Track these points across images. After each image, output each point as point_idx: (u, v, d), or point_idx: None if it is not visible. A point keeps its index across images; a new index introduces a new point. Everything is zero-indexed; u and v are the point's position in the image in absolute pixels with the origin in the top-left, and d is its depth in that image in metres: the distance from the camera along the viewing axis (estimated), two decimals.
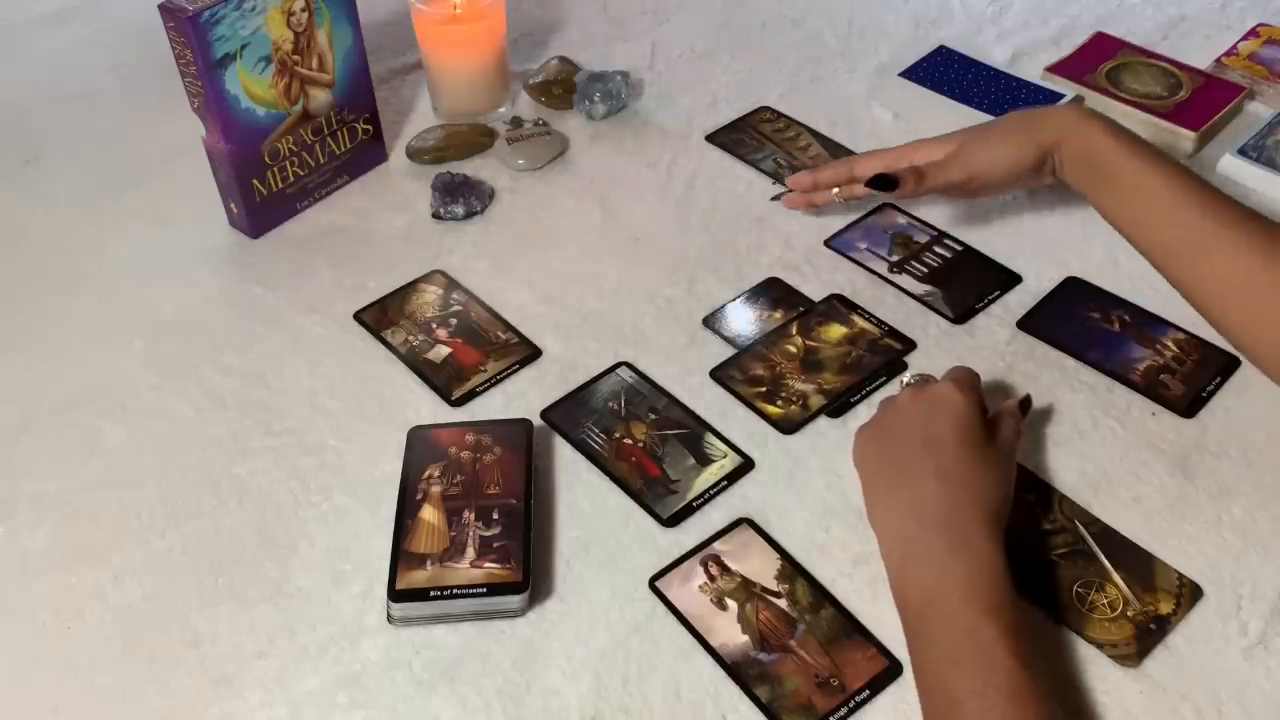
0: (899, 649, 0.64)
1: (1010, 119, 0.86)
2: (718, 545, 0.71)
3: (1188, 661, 0.64)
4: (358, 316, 0.88)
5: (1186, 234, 0.74)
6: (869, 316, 0.86)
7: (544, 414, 0.80)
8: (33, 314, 0.91)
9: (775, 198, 0.94)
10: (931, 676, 0.59)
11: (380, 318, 0.88)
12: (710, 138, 1.06)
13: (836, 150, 1.03)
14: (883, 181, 0.86)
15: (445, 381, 0.83)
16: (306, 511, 0.75)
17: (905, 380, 0.76)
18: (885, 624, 0.65)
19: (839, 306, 0.87)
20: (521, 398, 0.82)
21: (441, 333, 0.87)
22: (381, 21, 1.19)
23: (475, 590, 0.67)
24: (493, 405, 0.81)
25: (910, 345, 0.84)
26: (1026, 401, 0.74)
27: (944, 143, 0.87)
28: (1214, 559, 0.69)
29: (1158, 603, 0.67)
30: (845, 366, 0.82)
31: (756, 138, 1.05)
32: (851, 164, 0.91)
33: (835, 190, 0.92)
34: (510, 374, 0.83)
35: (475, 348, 0.85)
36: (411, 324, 0.87)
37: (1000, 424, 0.71)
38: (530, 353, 0.85)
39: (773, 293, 0.89)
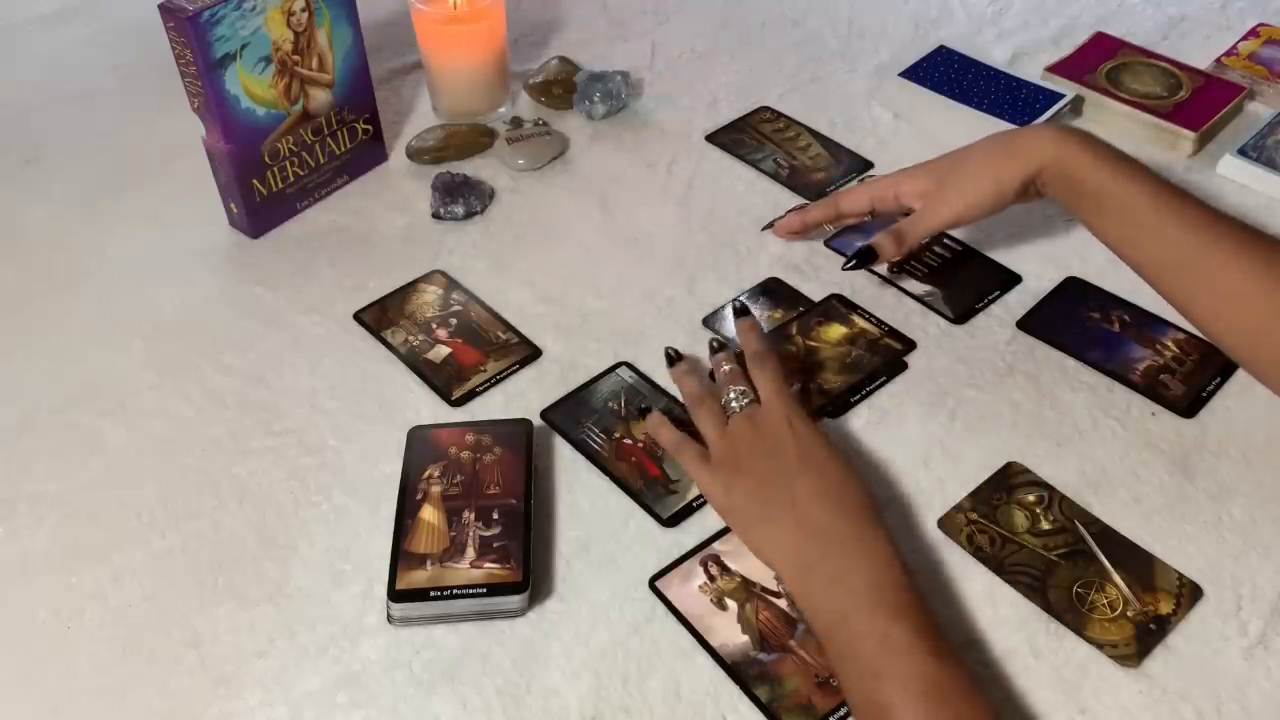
0: None
1: (987, 144, 0.81)
2: (718, 545, 0.71)
3: (1188, 661, 0.64)
4: (358, 316, 0.88)
5: (1176, 251, 0.73)
6: (869, 316, 0.86)
7: (544, 414, 0.80)
8: (32, 314, 0.91)
9: (766, 228, 0.94)
10: (857, 694, 0.59)
11: (380, 318, 0.88)
12: (710, 138, 1.06)
13: (836, 150, 1.03)
14: (865, 254, 0.83)
15: (445, 381, 0.83)
16: (306, 511, 0.75)
17: (714, 349, 0.76)
18: None
19: (838, 306, 0.87)
20: (521, 398, 0.82)
21: (441, 333, 0.87)
22: (381, 21, 1.19)
23: (475, 590, 0.67)
24: (493, 405, 0.81)
25: (910, 345, 0.84)
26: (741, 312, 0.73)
27: (924, 175, 0.83)
28: (1214, 559, 0.69)
29: (1158, 603, 0.67)
30: (845, 366, 0.82)
31: (756, 138, 1.05)
32: (838, 200, 0.88)
33: (828, 226, 0.91)
34: (510, 374, 0.83)
35: (475, 348, 0.85)
36: (411, 324, 0.87)
37: (762, 385, 0.72)
38: (530, 353, 0.85)
39: (773, 293, 0.89)
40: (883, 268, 0.90)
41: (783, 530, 0.65)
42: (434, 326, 0.87)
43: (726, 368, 0.74)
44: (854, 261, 0.84)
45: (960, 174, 0.81)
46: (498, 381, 0.83)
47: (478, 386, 0.82)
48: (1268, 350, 0.71)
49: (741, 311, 0.79)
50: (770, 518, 0.66)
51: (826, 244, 0.93)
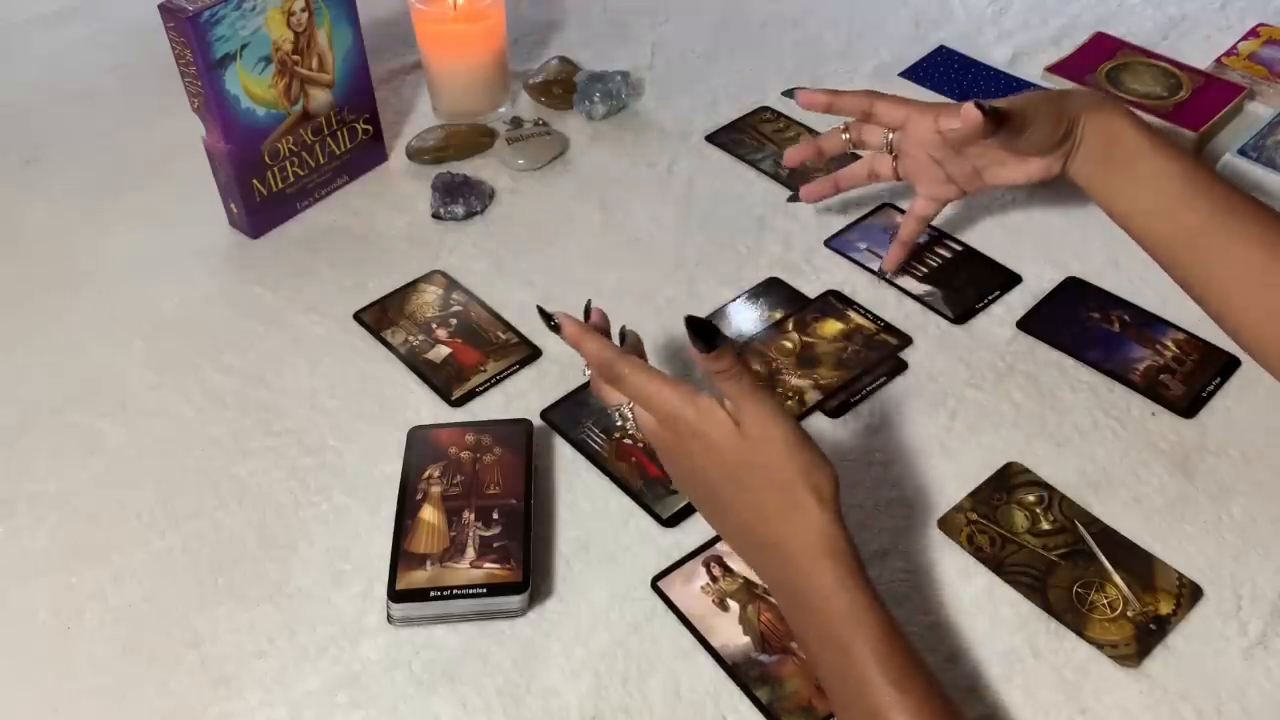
0: None
1: (1034, 93, 0.78)
2: (720, 546, 0.71)
3: (1188, 661, 0.64)
4: (358, 316, 0.88)
5: (1198, 225, 0.72)
6: (865, 312, 0.86)
7: (544, 414, 0.80)
8: (32, 313, 0.91)
9: (792, 198, 0.94)
10: (839, 708, 0.58)
11: (380, 318, 0.88)
12: (710, 138, 1.06)
13: None
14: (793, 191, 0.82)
15: (445, 381, 0.83)
16: (306, 511, 0.75)
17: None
18: None
19: (835, 302, 0.87)
20: (521, 398, 0.82)
21: (441, 333, 0.87)
22: (381, 21, 1.19)
23: (475, 590, 0.67)
24: (493, 405, 0.81)
25: (906, 340, 0.84)
26: (704, 336, 0.58)
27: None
28: (1214, 559, 0.69)
29: (1158, 603, 0.67)
30: (841, 362, 0.82)
31: (756, 138, 1.05)
32: (872, 100, 0.84)
33: (845, 135, 0.87)
34: (510, 374, 0.83)
35: (475, 348, 0.85)
36: (411, 324, 0.87)
37: (727, 387, 0.59)
38: (530, 353, 0.85)
39: (773, 293, 0.89)
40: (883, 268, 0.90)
41: (742, 551, 0.64)
42: (434, 326, 0.87)
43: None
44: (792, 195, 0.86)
45: (1011, 101, 0.77)
46: (498, 381, 0.83)
47: (478, 386, 0.82)
48: (1272, 330, 0.70)
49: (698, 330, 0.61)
50: (725, 532, 0.65)
51: (826, 244, 0.93)
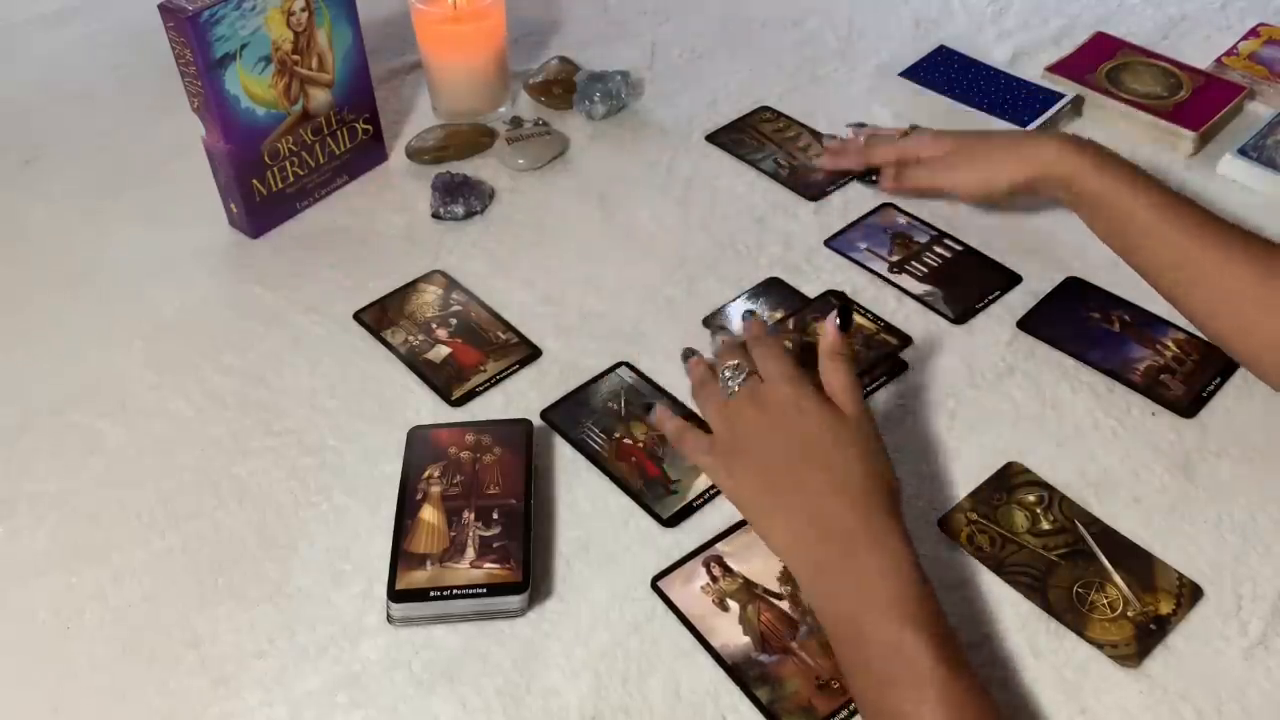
0: None
1: (1004, 139, 0.88)
2: (720, 546, 0.71)
3: (1188, 661, 0.64)
4: (358, 316, 0.88)
5: (1175, 254, 0.76)
6: (865, 312, 0.86)
7: (544, 414, 0.80)
8: (32, 314, 0.91)
9: (871, 183, 0.98)
10: (867, 699, 0.58)
11: (380, 318, 0.88)
12: (710, 138, 1.06)
13: None
14: (869, 173, 0.96)
15: (445, 381, 0.83)
16: (306, 511, 0.75)
17: (715, 339, 0.76)
18: None
19: (835, 302, 0.87)
20: (521, 398, 0.82)
21: (441, 333, 0.86)
22: (381, 21, 1.19)
23: (475, 590, 0.67)
24: (493, 405, 0.81)
25: (906, 340, 0.84)
26: (844, 317, 0.68)
27: (949, 141, 0.90)
28: (1214, 559, 0.69)
29: (1158, 603, 0.67)
30: None
31: (757, 138, 1.05)
32: (874, 148, 0.95)
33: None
34: (510, 374, 0.83)
35: (475, 348, 0.85)
36: (411, 324, 0.87)
37: (834, 378, 0.67)
38: (530, 353, 0.85)
39: (773, 293, 0.89)
40: (883, 267, 0.90)
41: (792, 524, 0.63)
42: (434, 326, 0.87)
43: (722, 346, 0.71)
44: (860, 178, 0.97)
45: (971, 154, 0.89)
46: (498, 381, 0.83)
47: (478, 386, 0.82)
48: (1260, 343, 0.74)
49: (748, 316, 0.76)
50: (779, 507, 0.64)
51: (827, 244, 0.93)
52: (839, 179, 0.99)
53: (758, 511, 0.65)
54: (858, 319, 0.86)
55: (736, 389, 0.67)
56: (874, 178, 0.96)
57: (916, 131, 0.94)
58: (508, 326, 0.87)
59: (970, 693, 0.56)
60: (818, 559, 0.62)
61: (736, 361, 0.69)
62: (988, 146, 0.88)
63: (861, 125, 0.99)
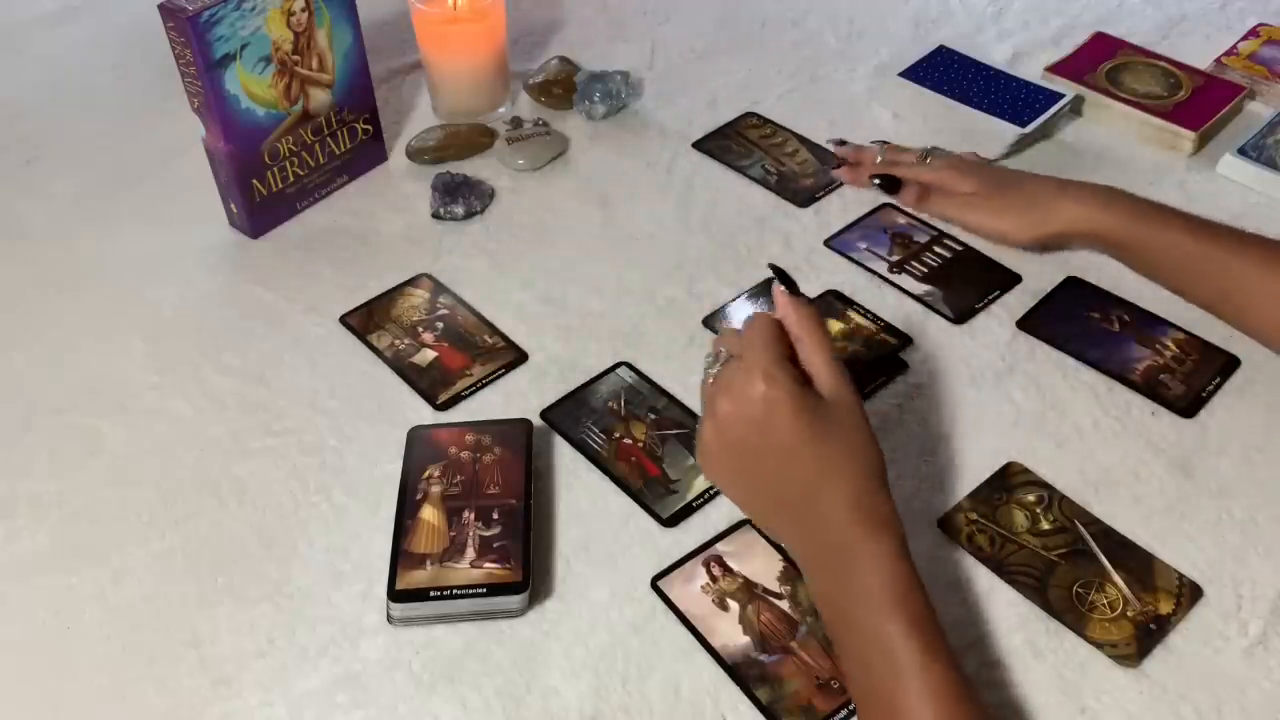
0: None
1: (1036, 188, 0.88)
2: (720, 546, 0.71)
3: (1188, 661, 0.64)
4: (344, 320, 0.88)
5: (1214, 266, 0.79)
6: (864, 312, 0.86)
7: (544, 414, 0.80)
8: (33, 313, 0.91)
9: (889, 192, 0.97)
10: (858, 687, 0.59)
11: (366, 322, 0.88)
12: (697, 145, 1.05)
13: (825, 156, 1.02)
14: (890, 183, 0.94)
15: (430, 385, 0.82)
16: (306, 511, 0.75)
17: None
18: None
19: (834, 302, 0.87)
20: (521, 398, 0.82)
21: (427, 336, 0.86)
22: (381, 21, 1.19)
23: (475, 590, 0.67)
24: (492, 406, 0.81)
25: (906, 340, 0.84)
26: (785, 279, 0.66)
27: (977, 180, 0.91)
28: (1214, 559, 0.69)
29: (1158, 603, 0.67)
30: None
31: (743, 144, 1.05)
32: (897, 171, 0.96)
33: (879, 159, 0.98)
34: (496, 378, 0.83)
35: (461, 351, 0.85)
36: (397, 328, 0.87)
37: (812, 356, 0.63)
38: (516, 356, 0.84)
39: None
40: (883, 267, 0.90)
41: (777, 518, 0.64)
42: (420, 330, 0.87)
43: (721, 330, 0.71)
44: (880, 182, 0.95)
45: (1003, 203, 0.89)
46: (483, 385, 0.82)
47: (463, 390, 0.82)
48: None
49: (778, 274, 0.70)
50: (763, 501, 0.63)
51: (827, 244, 0.93)
52: (828, 186, 0.99)
53: (744, 505, 0.66)
54: (858, 319, 0.86)
55: (709, 380, 0.65)
56: (891, 187, 0.95)
57: (935, 153, 0.94)
58: (494, 330, 0.86)
59: (949, 681, 0.56)
60: (804, 552, 0.63)
61: (719, 350, 0.65)
62: (1023, 197, 0.88)
63: (843, 143, 1.00)
